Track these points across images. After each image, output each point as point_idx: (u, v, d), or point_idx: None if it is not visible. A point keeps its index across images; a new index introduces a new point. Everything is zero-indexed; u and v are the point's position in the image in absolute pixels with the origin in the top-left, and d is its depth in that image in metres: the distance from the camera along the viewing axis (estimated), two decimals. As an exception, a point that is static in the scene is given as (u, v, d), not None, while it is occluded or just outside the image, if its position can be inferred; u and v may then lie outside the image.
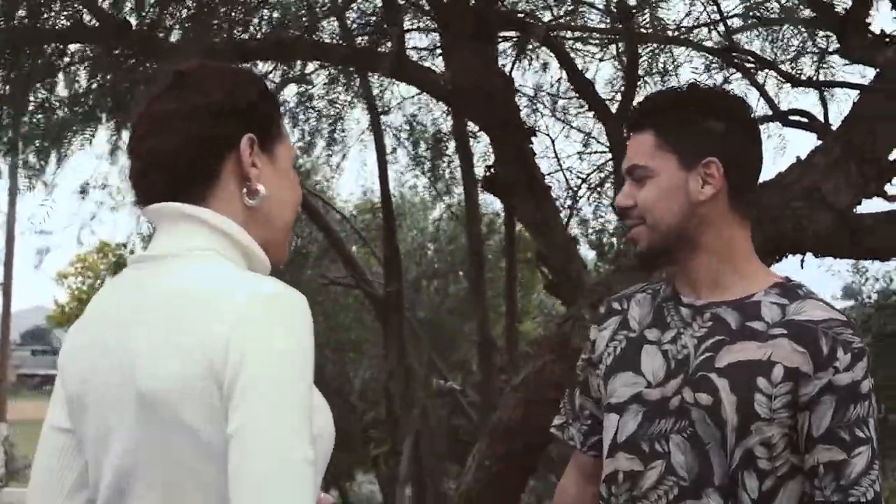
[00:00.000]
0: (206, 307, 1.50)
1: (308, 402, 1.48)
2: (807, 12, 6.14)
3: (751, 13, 5.89)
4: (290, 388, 1.46)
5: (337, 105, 7.61)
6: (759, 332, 2.06)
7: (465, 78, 4.89)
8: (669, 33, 4.87)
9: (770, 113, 6.49)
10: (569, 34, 5.36)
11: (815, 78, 6.20)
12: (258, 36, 5.75)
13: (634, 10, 4.51)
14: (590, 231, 7.96)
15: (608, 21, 4.80)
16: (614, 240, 8.10)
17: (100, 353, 1.62)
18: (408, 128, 8.20)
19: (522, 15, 5.23)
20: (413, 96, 7.90)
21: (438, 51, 6.91)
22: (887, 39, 6.21)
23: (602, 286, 5.04)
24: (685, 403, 2.07)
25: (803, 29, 6.16)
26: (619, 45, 4.91)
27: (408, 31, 6.70)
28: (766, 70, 5.81)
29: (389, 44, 6.17)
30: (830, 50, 6.26)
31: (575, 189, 6.81)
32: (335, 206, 11.22)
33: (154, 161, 1.64)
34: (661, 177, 2.14)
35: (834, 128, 5.80)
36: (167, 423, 1.50)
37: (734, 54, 5.35)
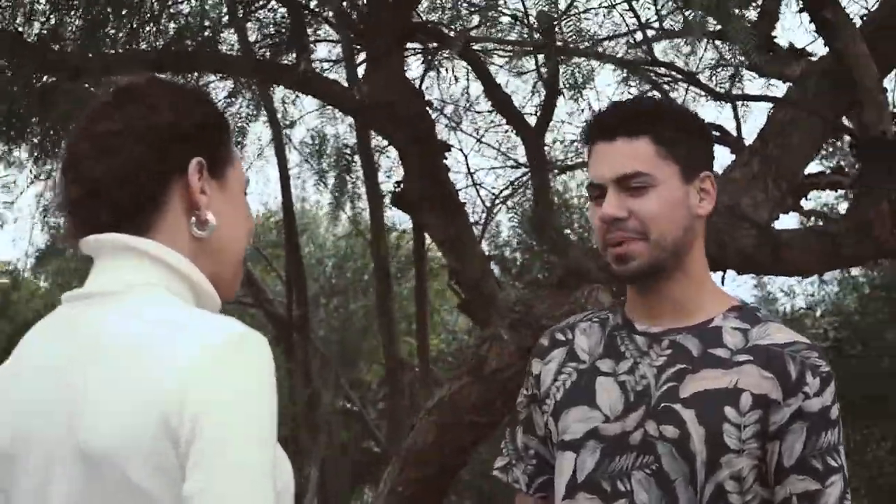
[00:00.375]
0: (155, 355, 1.37)
1: (271, 459, 1.36)
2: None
3: (662, 25, 5.84)
4: (252, 446, 1.35)
5: (239, 119, 7.40)
6: (722, 359, 1.97)
7: (380, 92, 4.75)
8: (588, 44, 4.78)
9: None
10: (486, 46, 5.24)
11: (729, 91, 6.18)
12: (158, 46, 5.53)
13: (556, 22, 4.40)
14: (497, 247, 7.89)
15: (528, 33, 4.68)
16: (517, 255, 8.03)
17: (33, 407, 1.47)
18: (311, 142, 8.02)
19: (440, 26, 5.09)
20: (317, 109, 7.72)
21: (342, 63, 6.77)
22: (799, 52, 6.24)
23: (521, 305, 4.94)
24: (649, 437, 1.96)
25: (718, 42, 6.14)
26: (538, 57, 4.79)
27: (313, 42, 6.52)
28: (686, 84, 5.76)
29: (294, 56, 6.03)
30: (743, 63, 6.23)
31: (488, 205, 6.71)
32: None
33: (94, 188, 1.48)
34: (665, 187, 2.00)
35: (748, 142, 5.80)
36: (113, 484, 1.37)
37: (651, 68, 5.28)
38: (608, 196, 2.00)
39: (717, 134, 6.71)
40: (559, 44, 4.46)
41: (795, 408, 1.92)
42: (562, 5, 4.38)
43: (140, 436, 1.34)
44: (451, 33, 4.88)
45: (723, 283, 6.06)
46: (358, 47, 6.82)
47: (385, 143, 7.19)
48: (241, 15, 6.03)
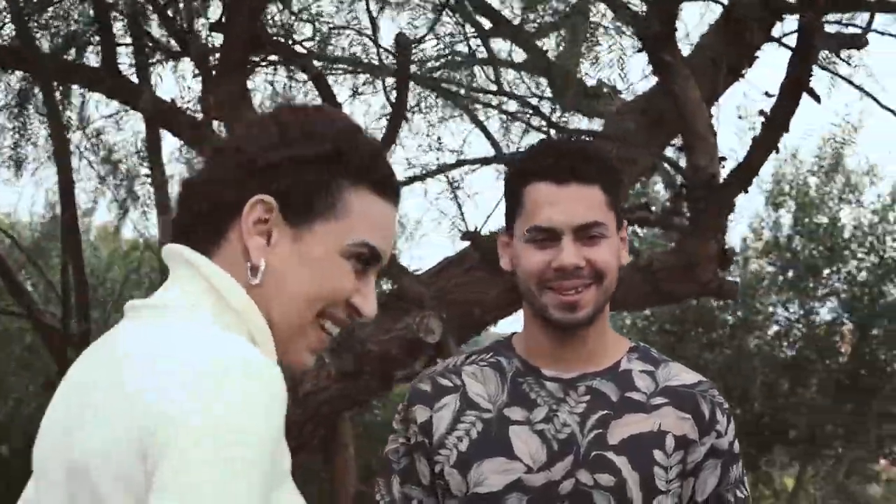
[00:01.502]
0: (149, 369, 1.27)
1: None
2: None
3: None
4: (225, 486, 1.17)
5: (19, 119, 7.02)
6: (640, 402, 2.02)
7: (224, 106, 4.60)
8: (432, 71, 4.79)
9: (494, 155, 6.58)
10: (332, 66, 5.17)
11: (556, 123, 6.33)
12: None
13: (413, 46, 4.39)
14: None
15: (378, 56, 4.66)
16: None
17: (50, 416, 1.43)
18: (95, 145, 7.67)
19: (289, 43, 4.98)
20: (111, 115, 7.40)
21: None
22: (612, 91, 6.46)
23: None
24: (582, 487, 1.96)
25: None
26: (385, 81, 4.77)
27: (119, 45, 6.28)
28: (530, 114, 5.86)
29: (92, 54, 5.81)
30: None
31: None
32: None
33: (184, 192, 1.46)
34: (611, 239, 2.01)
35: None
36: (86, 500, 1.28)
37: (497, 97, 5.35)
38: (566, 244, 1.97)
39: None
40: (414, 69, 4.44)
41: (709, 446, 2.01)
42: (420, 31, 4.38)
43: (116, 450, 1.24)
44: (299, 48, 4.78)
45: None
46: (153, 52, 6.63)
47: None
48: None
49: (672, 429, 2.00)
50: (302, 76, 5.39)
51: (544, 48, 6.27)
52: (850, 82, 5.39)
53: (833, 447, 13.15)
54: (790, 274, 13.36)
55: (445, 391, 2.09)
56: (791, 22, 5.43)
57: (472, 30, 5.39)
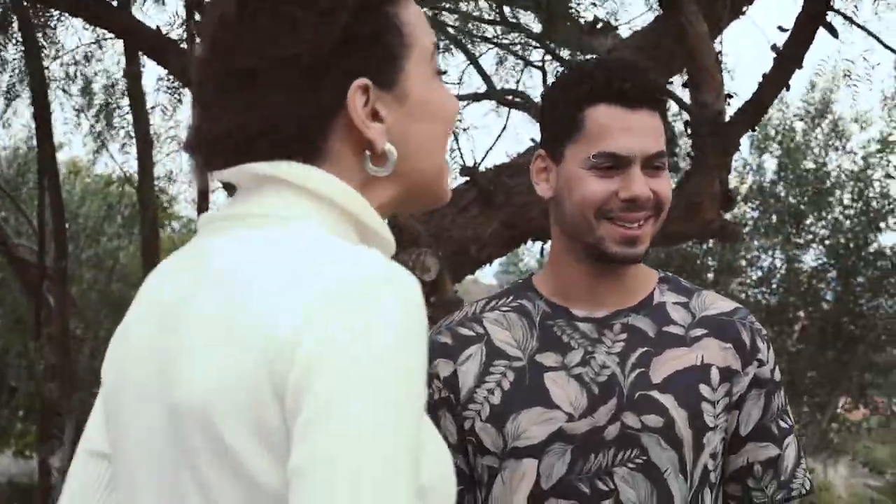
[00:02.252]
0: (277, 290, 1.10)
1: (413, 437, 1.05)
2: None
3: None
4: (385, 414, 1.03)
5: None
6: (679, 336, 1.92)
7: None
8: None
9: (486, 90, 6.46)
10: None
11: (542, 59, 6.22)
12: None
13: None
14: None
15: None
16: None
17: (137, 351, 1.23)
18: (72, 75, 7.49)
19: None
20: (88, 44, 7.22)
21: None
22: (605, 26, 6.35)
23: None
24: (629, 430, 1.86)
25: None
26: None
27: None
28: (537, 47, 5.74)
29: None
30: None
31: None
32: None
33: (229, 132, 1.20)
34: (667, 170, 1.94)
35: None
36: (203, 447, 1.10)
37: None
38: (635, 174, 1.87)
39: (518, 100, 6.78)
40: None
41: (752, 376, 1.93)
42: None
43: (239, 386, 1.07)
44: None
45: (541, 254, 6.12)
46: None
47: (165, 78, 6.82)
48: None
49: (715, 361, 1.91)
50: None
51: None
52: (852, 20, 5.30)
53: (816, 395, 13.18)
54: (773, 219, 13.32)
55: (468, 341, 1.96)
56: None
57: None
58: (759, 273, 13.38)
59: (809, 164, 13.43)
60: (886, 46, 5.28)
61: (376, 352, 1.05)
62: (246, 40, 1.20)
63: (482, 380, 1.93)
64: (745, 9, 6.10)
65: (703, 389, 1.89)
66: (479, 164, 4.96)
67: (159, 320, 1.21)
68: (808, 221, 13.33)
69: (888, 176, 13.05)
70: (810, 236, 13.36)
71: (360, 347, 1.04)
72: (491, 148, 7.69)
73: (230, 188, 1.28)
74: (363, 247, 1.16)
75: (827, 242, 13.06)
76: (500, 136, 5.87)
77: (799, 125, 13.75)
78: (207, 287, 1.16)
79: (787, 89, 4.50)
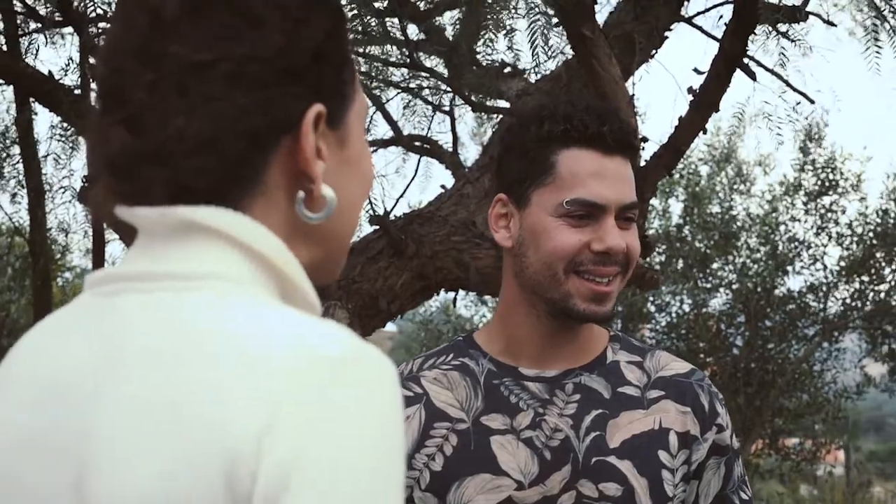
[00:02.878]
0: (229, 376, 0.92)
1: None
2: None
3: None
4: None
5: None
6: (636, 397, 1.80)
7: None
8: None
9: (393, 136, 6.33)
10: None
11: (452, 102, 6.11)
12: None
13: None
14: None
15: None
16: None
17: (26, 440, 1.01)
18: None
19: None
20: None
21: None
22: (513, 71, 6.28)
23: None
24: (585, 500, 1.73)
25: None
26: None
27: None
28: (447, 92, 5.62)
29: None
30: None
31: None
32: None
33: (160, 147, 1.00)
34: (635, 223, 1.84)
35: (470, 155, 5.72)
36: None
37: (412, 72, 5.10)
38: (609, 224, 1.76)
39: (425, 146, 6.65)
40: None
41: (711, 442, 1.82)
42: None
43: (181, 494, 0.90)
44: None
45: (454, 305, 5.99)
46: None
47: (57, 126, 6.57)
48: None
49: (674, 425, 1.80)
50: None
51: (442, 25, 6.07)
52: (760, 63, 5.27)
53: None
54: (680, 265, 13.38)
55: (405, 402, 1.81)
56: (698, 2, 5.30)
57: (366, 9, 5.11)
58: (668, 319, 13.40)
59: (715, 209, 13.54)
60: (797, 91, 5.24)
61: (359, 449, 0.90)
62: (191, 38, 1.01)
63: (422, 444, 1.79)
64: (653, 52, 6.06)
65: (662, 456, 1.78)
66: (390, 212, 4.80)
67: (61, 403, 1.00)
68: (714, 266, 13.42)
69: (794, 219, 13.20)
70: (717, 281, 13.44)
71: (340, 448, 0.90)
72: (401, 196, 7.54)
73: (126, 233, 1.08)
74: (320, 319, 0.99)
75: (734, 287, 13.14)
76: (409, 183, 5.75)
77: (704, 169, 13.88)
78: (127, 365, 0.97)
79: (704, 132, 4.43)
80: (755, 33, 3.96)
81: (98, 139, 1.04)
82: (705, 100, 4.27)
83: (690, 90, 4.32)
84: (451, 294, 5.39)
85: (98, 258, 6.47)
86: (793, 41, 3.85)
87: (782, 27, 3.88)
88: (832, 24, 4.86)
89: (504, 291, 1.87)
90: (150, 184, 1.00)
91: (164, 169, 1.00)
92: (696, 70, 4.37)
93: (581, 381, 1.81)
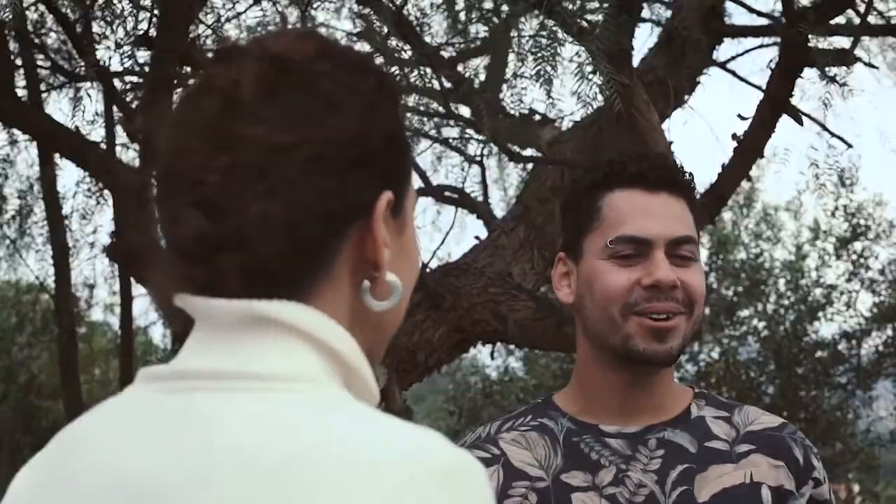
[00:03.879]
0: (334, 490, 0.89)
1: None
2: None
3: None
4: None
5: None
6: (724, 451, 1.74)
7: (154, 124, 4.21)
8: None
9: (422, 186, 6.29)
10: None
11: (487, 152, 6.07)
12: None
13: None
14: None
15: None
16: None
17: None
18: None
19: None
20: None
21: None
22: (543, 120, 6.24)
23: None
24: None
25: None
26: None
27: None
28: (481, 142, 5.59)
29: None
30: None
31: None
32: None
33: (236, 233, 0.96)
34: (699, 263, 1.77)
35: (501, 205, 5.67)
36: None
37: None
38: (658, 258, 1.70)
39: (455, 196, 6.61)
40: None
41: (808, 497, 1.75)
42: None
43: None
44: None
45: (492, 357, 5.93)
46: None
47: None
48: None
49: (766, 479, 1.72)
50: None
51: (469, 74, 6.05)
52: (791, 109, 5.23)
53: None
54: (707, 312, 13.29)
55: (483, 464, 1.75)
56: (731, 47, 5.27)
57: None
58: (697, 367, 13.30)
59: (741, 255, 13.47)
60: (835, 135, 5.17)
61: None
62: (269, 120, 0.98)
63: None
64: (686, 98, 6.03)
65: None
66: (426, 265, 4.74)
67: None
68: (742, 314, 13.33)
69: (824, 264, 13.11)
70: (744, 328, 13.35)
71: None
72: (438, 248, 7.51)
73: (177, 321, 1.02)
74: (412, 425, 0.96)
75: (763, 334, 13.04)
76: (446, 236, 5.70)
77: (727, 215, 13.82)
78: (220, 472, 0.92)
79: (749, 180, 4.37)
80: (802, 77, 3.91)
81: (167, 221, 1.01)
82: (750, 146, 4.21)
83: (735, 136, 4.27)
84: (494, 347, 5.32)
85: (126, 316, 6.44)
86: (841, 85, 3.79)
87: (830, 71, 3.83)
88: (874, 67, 4.81)
89: (578, 350, 1.83)
90: (224, 271, 0.97)
91: (241, 254, 0.97)
92: (739, 116, 4.32)
93: (664, 437, 1.75)
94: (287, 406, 0.95)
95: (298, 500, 0.89)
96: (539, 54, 5.06)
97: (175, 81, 4.28)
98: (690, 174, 1.80)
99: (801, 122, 4.07)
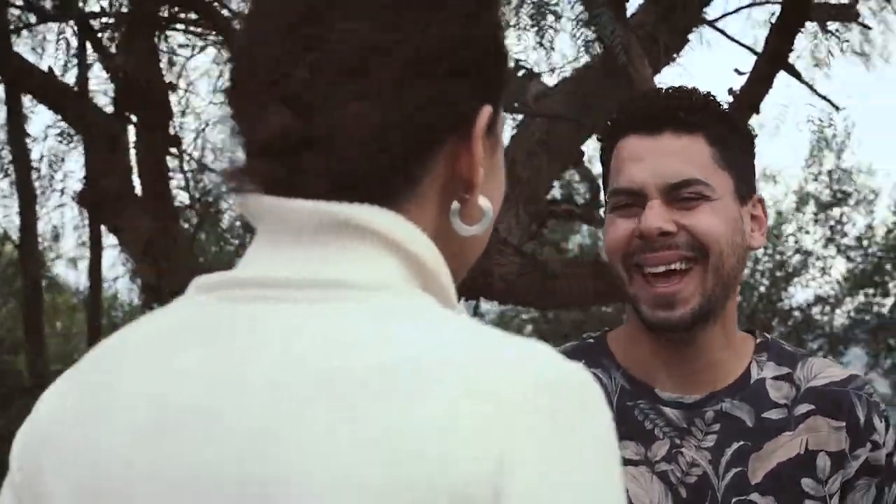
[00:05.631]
0: (443, 404, 0.82)
1: None
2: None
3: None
4: None
5: None
6: (781, 420, 1.64)
7: (137, 68, 4.18)
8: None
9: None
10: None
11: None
12: None
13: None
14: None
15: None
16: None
17: (183, 478, 0.87)
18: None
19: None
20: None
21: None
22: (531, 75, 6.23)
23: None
24: None
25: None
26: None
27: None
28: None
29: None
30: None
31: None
32: None
33: (328, 133, 0.90)
34: (723, 202, 1.61)
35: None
36: None
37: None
38: (651, 206, 1.59)
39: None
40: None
41: (862, 460, 1.65)
42: None
43: None
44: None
45: (475, 312, 5.93)
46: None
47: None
48: None
49: (825, 445, 1.64)
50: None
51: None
52: (789, 66, 5.25)
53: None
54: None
55: None
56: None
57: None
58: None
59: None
60: (824, 98, 5.19)
61: (595, 473, 0.85)
62: (365, 15, 0.92)
63: None
64: (675, 55, 6.03)
65: (807, 484, 1.63)
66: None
67: (203, 436, 0.88)
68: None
69: (800, 229, 13.19)
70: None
71: (583, 475, 0.84)
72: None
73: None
74: (515, 336, 0.90)
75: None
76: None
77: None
78: (307, 398, 0.85)
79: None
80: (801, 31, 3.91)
81: (245, 118, 0.95)
82: (746, 102, 4.21)
83: (731, 92, 4.27)
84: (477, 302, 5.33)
85: (95, 267, 6.37)
86: (841, 41, 3.79)
87: (831, 26, 3.83)
88: (867, 27, 4.82)
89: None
90: (308, 171, 0.91)
91: (328, 158, 0.91)
92: (736, 71, 4.31)
93: (722, 409, 1.65)
94: (376, 315, 0.89)
95: (402, 421, 0.83)
96: (533, 4, 5.05)
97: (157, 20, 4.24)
98: (712, 100, 1.68)
99: (799, 78, 4.07)
